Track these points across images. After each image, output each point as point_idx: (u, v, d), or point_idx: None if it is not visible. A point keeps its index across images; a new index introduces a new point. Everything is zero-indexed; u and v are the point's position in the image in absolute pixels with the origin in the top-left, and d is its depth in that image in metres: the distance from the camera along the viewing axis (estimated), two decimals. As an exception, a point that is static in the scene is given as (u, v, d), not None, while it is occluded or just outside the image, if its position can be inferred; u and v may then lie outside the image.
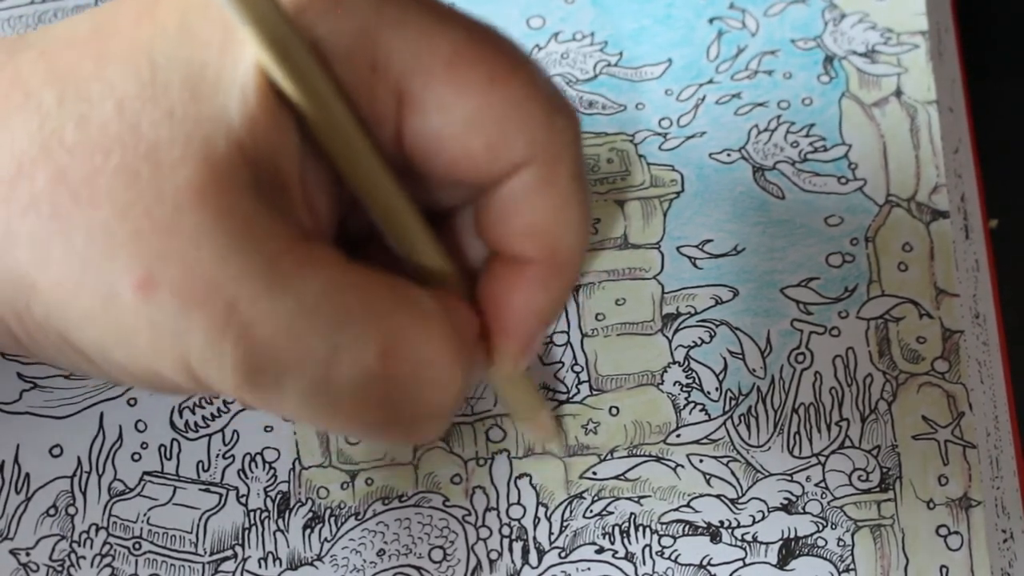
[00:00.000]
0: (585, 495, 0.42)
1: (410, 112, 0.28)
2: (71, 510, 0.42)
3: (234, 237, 0.26)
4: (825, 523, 0.42)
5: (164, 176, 0.26)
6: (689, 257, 0.45)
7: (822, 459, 0.42)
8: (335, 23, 0.27)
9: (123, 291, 0.26)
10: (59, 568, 0.42)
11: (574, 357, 0.44)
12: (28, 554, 0.42)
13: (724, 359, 0.44)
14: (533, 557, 0.42)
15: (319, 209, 0.29)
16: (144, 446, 0.43)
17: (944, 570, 0.41)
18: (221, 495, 0.42)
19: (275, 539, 0.42)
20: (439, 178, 0.30)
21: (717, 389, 0.43)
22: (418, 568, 0.42)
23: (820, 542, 0.41)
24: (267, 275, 0.26)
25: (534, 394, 0.39)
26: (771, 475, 0.42)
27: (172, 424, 0.43)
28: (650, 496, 0.42)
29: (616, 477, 0.42)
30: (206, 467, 0.43)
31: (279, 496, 0.42)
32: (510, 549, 0.42)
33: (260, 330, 0.26)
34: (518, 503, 0.42)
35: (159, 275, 0.25)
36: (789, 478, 0.42)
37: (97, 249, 0.26)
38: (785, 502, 0.42)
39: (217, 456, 0.43)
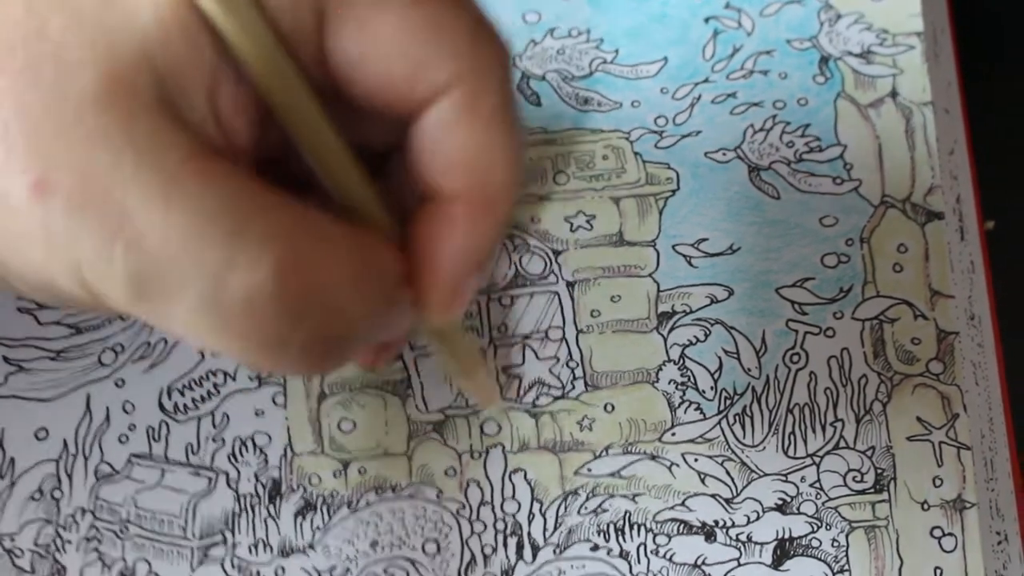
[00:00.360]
0: (580, 491, 0.42)
1: (331, 30, 0.28)
2: (56, 494, 0.41)
3: (132, 144, 0.25)
4: (820, 524, 0.41)
5: (67, 79, 0.25)
6: (684, 255, 0.44)
7: (817, 460, 0.42)
8: None
9: (18, 192, 0.25)
10: (44, 553, 0.41)
11: (569, 353, 0.43)
12: (13, 539, 0.41)
13: (719, 358, 0.43)
14: (528, 553, 0.41)
15: (233, 127, 0.28)
16: (132, 428, 0.42)
17: (938, 571, 0.41)
18: (211, 479, 0.41)
19: (266, 525, 0.41)
20: (362, 105, 0.29)
21: (712, 388, 0.43)
22: (412, 560, 0.41)
23: (815, 543, 0.41)
24: (163, 184, 0.25)
25: (471, 351, 0.37)
26: (766, 475, 0.42)
27: (161, 406, 0.42)
28: (645, 494, 0.42)
29: (611, 474, 0.42)
30: (195, 450, 0.42)
31: (270, 482, 0.41)
32: (505, 544, 0.41)
33: (151, 239, 0.25)
34: (513, 498, 0.42)
35: (54, 178, 0.25)
36: (784, 478, 0.42)
37: None
38: (780, 502, 0.42)
39: (207, 439, 0.42)
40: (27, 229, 0.25)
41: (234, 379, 0.42)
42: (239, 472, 0.42)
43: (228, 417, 0.42)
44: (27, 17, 0.26)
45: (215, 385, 0.42)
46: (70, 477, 0.41)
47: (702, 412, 0.43)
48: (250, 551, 0.41)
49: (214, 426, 0.42)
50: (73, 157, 0.25)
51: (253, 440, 0.42)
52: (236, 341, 0.27)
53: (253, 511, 0.41)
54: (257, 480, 0.41)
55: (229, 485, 0.41)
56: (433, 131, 0.29)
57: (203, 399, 0.42)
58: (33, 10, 0.26)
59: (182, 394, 0.42)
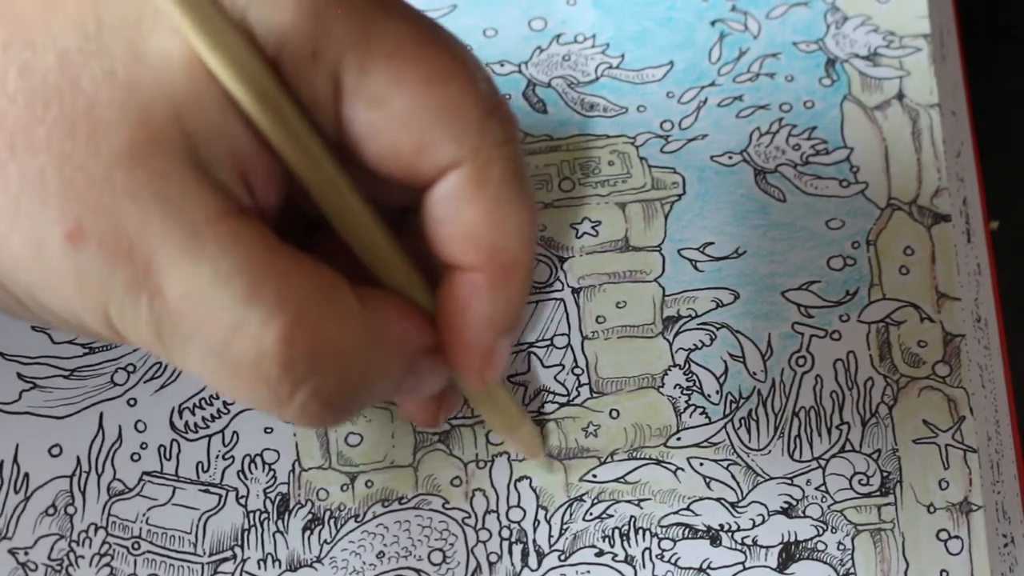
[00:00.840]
0: (585, 498, 0.42)
1: (345, 102, 0.29)
2: (70, 510, 0.42)
3: (160, 201, 0.26)
4: (825, 527, 0.42)
5: (100, 135, 0.26)
6: (690, 260, 0.45)
7: (822, 463, 0.42)
8: (274, 8, 0.27)
9: (53, 239, 0.26)
10: (58, 567, 0.42)
11: (574, 359, 0.44)
12: (27, 553, 0.42)
13: (725, 362, 0.44)
14: (533, 560, 0.42)
15: (261, 188, 0.29)
16: (144, 446, 0.43)
17: (944, 574, 0.41)
18: (220, 496, 0.42)
19: (274, 540, 0.42)
20: (375, 172, 0.30)
21: (717, 392, 0.43)
22: (417, 571, 0.42)
23: (820, 546, 0.41)
24: (186, 241, 0.26)
25: (512, 408, 0.39)
26: (771, 479, 0.42)
27: (172, 425, 0.43)
28: (650, 499, 0.42)
29: (616, 480, 0.42)
30: (206, 468, 0.43)
31: (279, 497, 0.42)
32: (510, 552, 0.42)
33: (171, 292, 0.27)
34: (518, 506, 0.42)
35: (88, 227, 0.26)
36: (789, 482, 0.42)
37: (31, 196, 0.26)
38: (785, 506, 0.42)
39: (217, 457, 0.43)
40: (60, 272, 0.27)
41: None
42: (248, 488, 0.42)
43: (237, 435, 0.43)
44: (61, 70, 0.27)
45: (225, 404, 0.43)
46: (83, 494, 0.42)
47: (707, 416, 0.43)
48: (259, 566, 0.42)
49: (224, 444, 0.43)
50: (105, 209, 0.26)
51: (262, 457, 0.43)
52: (243, 392, 0.29)
53: (262, 526, 0.42)
54: (266, 496, 0.42)
55: (238, 501, 0.42)
56: (442, 205, 0.30)
57: (213, 418, 0.43)
58: (66, 62, 0.27)
59: (192, 413, 0.43)
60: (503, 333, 0.32)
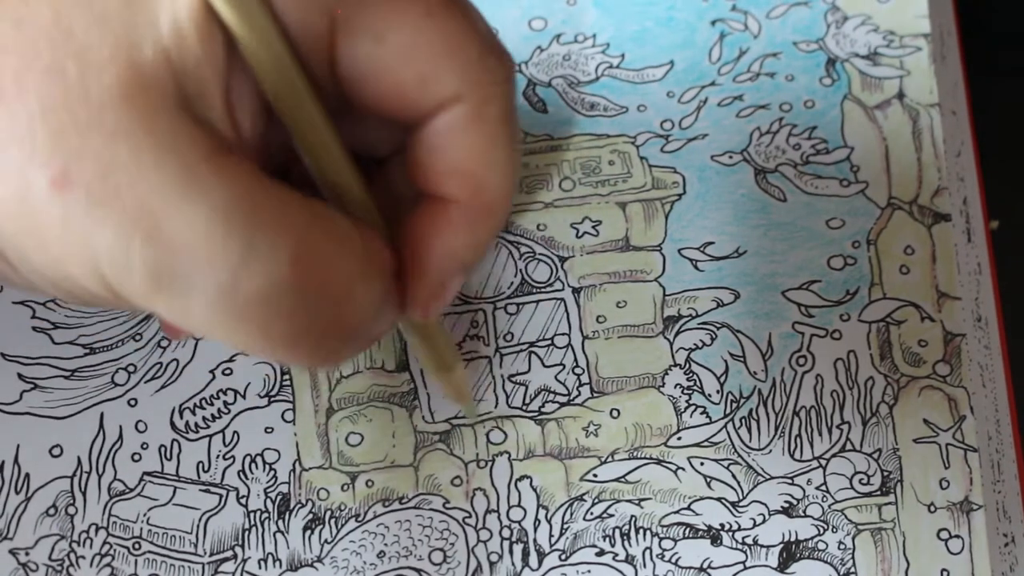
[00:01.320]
0: (586, 497, 0.42)
1: (343, 38, 0.28)
2: (71, 510, 0.42)
3: (152, 140, 0.26)
4: (826, 526, 0.42)
5: (90, 76, 0.26)
6: (690, 259, 0.45)
7: (823, 462, 0.42)
8: None
9: (39, 185, 0.26)
10: (58, 568, 0.42)
11: (575, 359, 0.44)
12: (27, 553, 0.42)
13: (725, 362, 0.44)
14: (533, 559, 0.42)
15: (244, 124, 0.29)
16: (144, 446, 0.43)
17: (945, 574, 0.41)
18: (221, 496, 0.42)
19: (275, 540, 0.42)
20: (370, 110, 0.30)
21: (718, 392, 0.43)
22: (418, 570, 0.42)
23: (821, 545, 0.41)
24: (182, 178, 0.26)
25: (447, 349, 0.38)
26: (772, 478, 0.42)
27: (172, 425, 0.43)
28: (651, 499, 0.42)
29: (617, 479, 0.42)
30: (206, 468, 0.43)
31: (279, 497, 0.42)
32: (510, 551, 0.42)
33: (170, 231, 0.26)
34: (519, 505, 0.42)
35: (75, 172, 0.26)
36: (790, 481, 0.42)
37: (17, 142, 0.26)
38: (786, 505, 0.42)
39: (217, 457, 0.43)
40: (47, 222, 0.26)
41: (244, 397, 0.43)
42: (249, 488, 0.42)
43: (238, 435, 0.43)
44: (53, 18, 0.26)
45: (225, 404, 0.43)
46: (84, 494, 0.42)
47: (708, 416, 0.43)
48: (260, 566, 0.42)
49: (224, 444, 0.43)
50: (94, 152, 0.26)
51: (263, 456, 0.43)
52: (253, 334, 0.28)
53: (263, 526, 0.42)
54: (266, 496, 0.42)
55: (239, 501, 0.42)
56: (438, 137, 0.30)
57: (214, 418, 0.43)
58: (59, 11, 0.27)
59: (193, 413, 0.43)
60: (462, 269, 0.31)
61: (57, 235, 0.26)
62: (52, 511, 0.42)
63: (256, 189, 0.27)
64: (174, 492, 0.42)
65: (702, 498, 0.42)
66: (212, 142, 0.27)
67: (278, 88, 0.28)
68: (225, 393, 0.43)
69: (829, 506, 0.42)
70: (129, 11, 0.27)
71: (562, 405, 0.43)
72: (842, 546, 0.41)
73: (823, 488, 0.42)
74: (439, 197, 0.31)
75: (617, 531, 0.42)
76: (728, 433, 0.43)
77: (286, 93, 0.28)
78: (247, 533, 0.42)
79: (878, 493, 0.42)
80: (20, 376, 0.44)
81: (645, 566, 0.41)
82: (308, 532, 0.42)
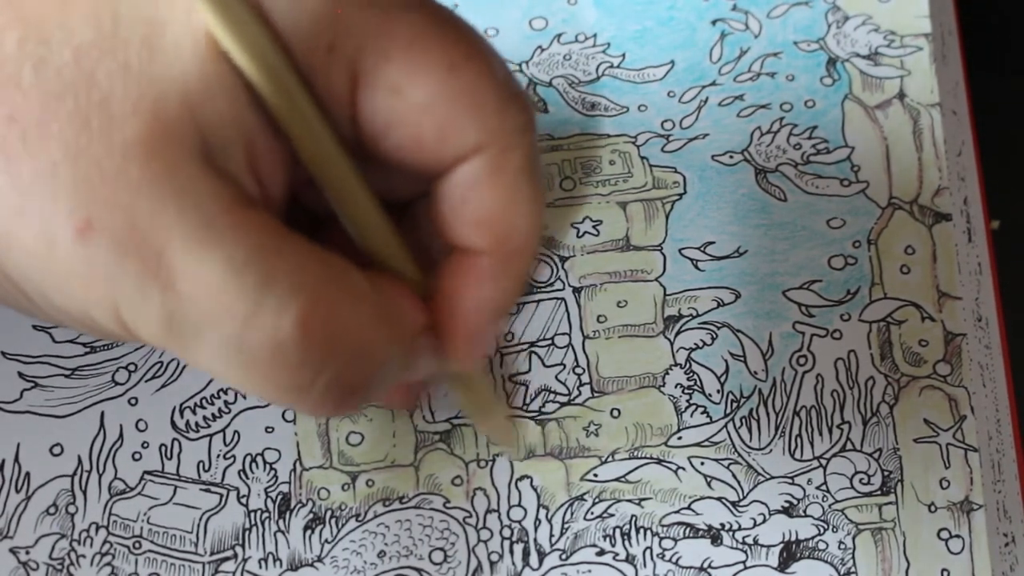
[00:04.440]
0: (586, 497, 0.42)
1: (364, 93, 0.29)
2: (71, 509, 0.42)
3: (174, 192, 0.26)
4: (826, 526, 0.42)
5: (114, 128, 0.26)
6: (691, 259, 0.45)
7: (823, 462, 0.42)
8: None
9: (63, 233, 0.26)
10: (59, 567, 0.42)
11: (575, 359, 0.44)
12: (28, 552, 0.42)
13: (725, 361, 0.44)
14: (534, 559, 0.42)
15: (268, 179, 0.29)
16: (145, 445, 0.43)
17: (945, 573, 0.41)
18: (222, 495, 0.42)
19: (275, 540, 0.42)
20: (391, 162, 0.30)
21: (718, 391, 0.43)
22: (419, 570, 0.42)
23: (821, 545, 0.41)
24: (200, 231, 0.26)
25: (489, 395, 0.39)
26: (772, 478, 0.42)
27: (173, 424, 0.43)
28: (651, 498, 0.42)
29: (617, 479, 0.42)
30: (207, 467, 0.43)
31: (280, 497, 0.42)
32: (511, 551, 0.42)
33: (184, 283, 0.27)
34: (519, 505, 0.42)
35: (98, 221, 0.26)
36: (790, 481, 0.42)
37: (42, 190, 0.26)
38: (786, 505, 0.42)
39: (218, 456, 0.43)
40: (70, 267, 0.27)
41: (244, 397, 0.43)
42: (249, 488, 0.42)
43: (239, 434, 0.43)
44: (76, 65, 0.27)
45: (226, 403, 0.43)
46: (84, 493, 0.42)
47: (708, 416, 0.43)
48: (260, 565, 0.42)
49: (225, 443, 0.43)
50: (117, 203, 0.26)
51: (263, 456, 0.43)
52: (260, 384, 0.28)
53: (263, 526, 0.42)
54: (267, 495, 0.42)
55: (239, 501, 0.42)
56: (460, 189, 0.30)
57: (214, 417, 0.43)
58: (82, 57, 0.27)
59: (194, 412, 0.43)
60: (496, 317, 0.32)
61: (80, 281, 0.27)
62: (52, 510, 0.42)
63: (272, 244, 0.27)
64: (174, 491, 0.42)
65: (702, 498, 0.42)
66: (233, 195, 0.27)
67: (305, 144, 0.29)
68: (226, 392, 0.43)
69: (829, 506, 0.42)
70: (153, 62, 0.27)
71: (562, 405, 0.43)
72: (842, 546, 0.41)
73: (823, 488, 0.42)
74: (466, 248, 0.31)
75: (617, 531, 0.42)
76: (728, 433, 0.43)
77: (313, 149, 0.29)
78: (247, 533, 0.42)
79: (878, 493, 0.42)
80: (20, 375, 0.44)
81: (645, 566, 0.41)
82: (309, 532, 0.42)
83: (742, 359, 0.43)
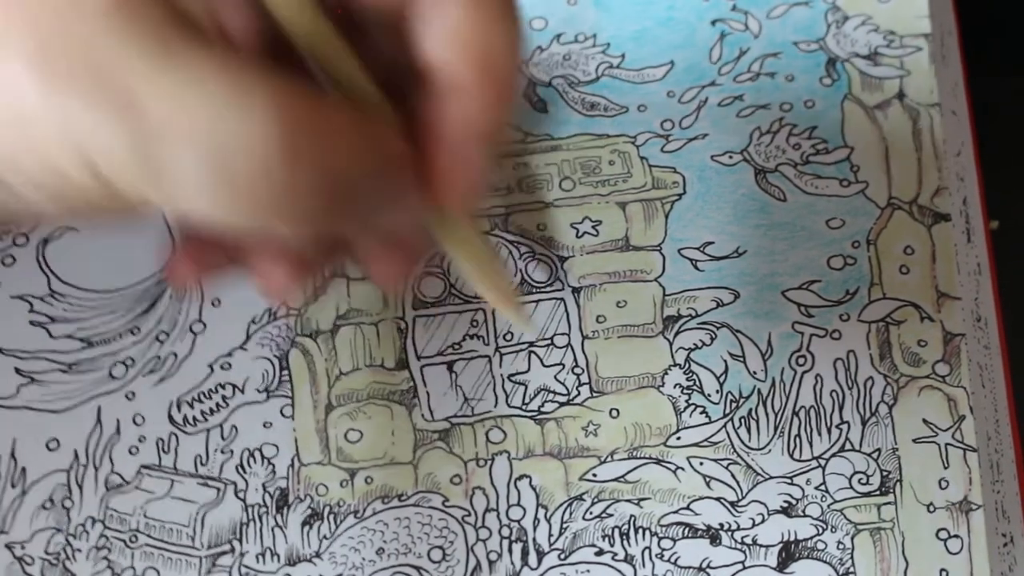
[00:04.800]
0: (585, 497, 0.42)
1: None
2: (67, 503, 0.42)
3: (132, 22, 0.26)
4: (825, 526, 0.41)
5: None
6: (690, 259, 0.45)
7: (822, 462, 0.42)
8: None
9: (23, 76, 0.26)
10: (55, 561, 0.41)
11: (575, 359, 0.44)
12: (24, 547, 0.42)
13: (725, 361, 0.44)
14: (532, 558, 0.42)
15: (231, 23, 0.29)
16: (142, 440, 0.43)
17: (944, 573, 0.41)
18: (219, 490, 0.42)
19: (273, 535, 0.42)
20: None
21: (718, 391, 0.43)
22: (417, 568, 0.41)
23: (820, 545, 0.41)
24: (163, 56, 0.26)
25: (488, 253, 0.35)
26: (771, 478, 0.42)
27: (171, 418, 0.43)
28: (650, 498, 0.42)
29: (616, 479, 0.42)
30: (204, 461, 0.42)
31: (278, 492, 0.42)
32: (509, 550, 0.42)
33: (155, 108, 0.26)
34: (518, 504, 0.42)
35: (58, 60, 0.26)
36: (789, 481, 0.42)
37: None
38: (785, 505, 0.42)
39: (216, 451, 0.42)
40: (31, 110, 0.26)
41: (243, 392, 0.43)
42: (247, 482, 0.42)
43: (236, 429, 0.43)
44: None
45: (224, 398, 0.43)
46: (80, 487, 0.42)
47: (707, 416, 0.43)
48: (257, 560, 0.41)
49: (223, 438, 0.43)
50: (74, 38, 0.26)
51: (261, 451, 0.43)
52: (241, 201, 0.27)
53: (261, 521, 0.42)
54: (265, 490, 0.42)
55: (237, 495, 0.42)
56: (438, 5, 0.29)
57: (212, 411, 0.43)
58: None
59: (191, 407, 0.43)
60: (485, 144, 0.30)
61: (43, 127, 0.26)
62: (48, 504, 0.42)
63: (236, 63, 0.27)
64: (172, 485, 0.42)
65: (701, 498, 0.42)
66: (193, 30, 0.27)
67: None
68: (224, 387, 0.43)
69: (828, 506, 0.42)
70: None
71: (562, 405, 0.43)
72: (841, 546, 0.41)
73: (822, 488, 0.42)
74: (442, 69, 0.30)
75: (616, 530, 0.42)
76: (727, 433, 0.43)
77: None
78: (245, 527, 0.42)
79: (877, 493, 0.42)
80: (17, 370, 0.43)
81: (644, 566, 0.41)
82: (307, 527, 0.42)
83: (741, 359, 0.43)
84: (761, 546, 0.41)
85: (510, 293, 0.37)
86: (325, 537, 0.42)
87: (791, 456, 0.42)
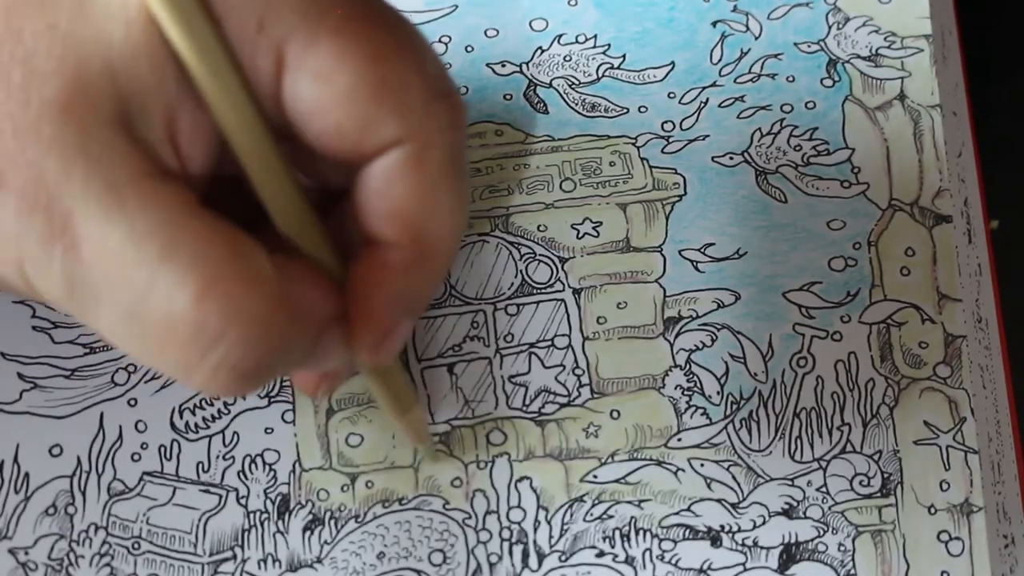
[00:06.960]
0: (585, 498, 0.42)
1: (289, 76, 0.29)
2: (70, 509, 0.42)
3: (84, 157, 0.27)
4: (826, 528, 0.42)
5: (34, 85, 0.27)
6: (691, 260, 0.45)
7: (823, 464, 0.42)
8: None
9: None
10: (58, 567, 0.42)
11: (575, 360, 0.44)
12: (27, 553, 0.42)
13: (725, 363, 0.44)
14: (533, 560, 0.42)
15: (190, 153, 0.29)
16: (144, 446, 0.43)
17: (945, 575, 0.41)
18: (221, 496, 0.42)
19: (275, 541, 0.42)
20: (315, 149, 0.30)
21: (718, 393, 0.43)
22: (418, 571, 0.42)
23: (821, 547, 0.41)
24: (106, 198, 0.27)
25: (404, 390, 0.38)
26: (772, 480, 0.42)
27: (172, 425, 0.43)
28: (651, 500, 0.42)
29: (617, 481, 0.42)
30: (206, 468, 0.43)
31: (279, 498, 0.42)
32: (510, 552, 0.42)
33: (87, 248, 0.27)
34: (518, 506, 0.42)
35: (8, 176, 0.27)
36: (790, 483, 0.42)
37: None
38: (786, 507, 0.42)
39: (217, 457, 0.43)
40: None
41: (243, 398, 0.43)
42: (249, 489, 0.42)
43: (238, 435, 0.43)
44: (6, 23, 0.27)
45: (225, 404, 0.43)
46: (83, 493, 0.42)
47: (708, 417, 0.43)
48: (259, 566, 0.42)
49: (224, 444, 0.43)
50: (28, 160, 0.26)
51: (262, 457, 0.43)
52: (152, 356, 0.29)
53: (262, 527, 0.42)
54: (266, 496, 0.42)
55: (239, 502, 0.42)
56: (378, 180, 0.30)
57: (214, 418, 0.43)
58: (12, 15, 0.27)
59: (193, 413, 0.43)
60: (408, 313, 0.32)
61: None
62: (51, 510, 0.42)
63: (177, 218, 0.27)
64: (174, 492, 0.42)
65: (702, 499, 0.42)
66: (146, 164, 0.27)
67: (226, 120, 0.28)
68: (225, 394, 0.43)
69: (829, 508, 0.42)
70: (81, 23, 0.27)
71: (562, 406, 0.43)
72: (842, 548, 0.41)
73: (823, 490, 0.42)
74: (382, 241, 0.31)
75: (617, 532, 0.42)
76: (728, 434, 0.43)
77: (234, 126, 0.28)
78: (247, 533, 0.42)
79: (878, 495, 0.42)
80: (20, 375, 0.44)
81: (645, 567, 0.41)
82: (308, 533, 0.42)
83: (742, 361, 0.43)
84: (762, 548, 0.42)
85: (422, 427, 0.41)
86: (326, 542, 0.42)
87: (792, 458, 0.42)
